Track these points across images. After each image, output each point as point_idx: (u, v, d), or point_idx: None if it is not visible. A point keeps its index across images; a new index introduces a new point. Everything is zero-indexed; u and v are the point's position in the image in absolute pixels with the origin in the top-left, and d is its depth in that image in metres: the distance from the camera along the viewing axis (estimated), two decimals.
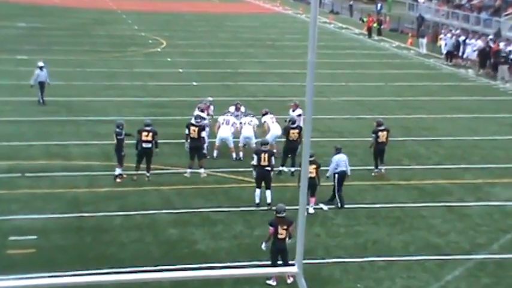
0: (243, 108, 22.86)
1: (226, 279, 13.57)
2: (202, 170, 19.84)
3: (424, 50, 44.45)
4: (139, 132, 19.13)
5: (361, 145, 22.87)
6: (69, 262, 14.58)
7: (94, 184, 19.03)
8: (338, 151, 18.27)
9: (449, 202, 18.75)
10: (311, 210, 17.52)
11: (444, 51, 42.09)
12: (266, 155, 17.58)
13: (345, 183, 18.07)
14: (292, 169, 20.03)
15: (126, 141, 19.30)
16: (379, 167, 20.35)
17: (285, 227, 13.61)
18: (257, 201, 17.55)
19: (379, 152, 20.15)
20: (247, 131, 21.32)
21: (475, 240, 16.37)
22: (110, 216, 17.07)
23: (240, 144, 21.38)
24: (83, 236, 15.90)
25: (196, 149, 19.83)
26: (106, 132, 22.38)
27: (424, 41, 44.77)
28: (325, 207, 17.87)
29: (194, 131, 19.78)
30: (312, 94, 6.04)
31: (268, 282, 13.78)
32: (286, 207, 17.50)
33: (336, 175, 17.87)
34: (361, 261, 15.07)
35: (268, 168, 17.62)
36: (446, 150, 23.53)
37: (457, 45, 40.94)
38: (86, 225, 16.50)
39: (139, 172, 19.25)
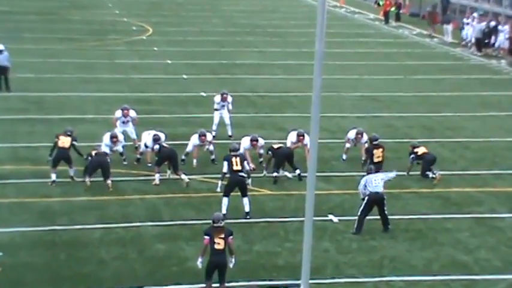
0: (230, 98, 23.55)
1: None
2: (183, 176, 19.81)
3: (449, 38, 44.49)
4: (57, 136, 19.67)
5: None
6: (39, 282, 14.59)
7: (69, 192, 19.05)
8: (370, 171, 17.80)
9: (478, 213, 18.76)
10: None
11: (468, 39, 42.18)
12: (238, 159, 17.75)
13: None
14: (298, 171, 20.15)
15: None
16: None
17: (222, 235, 13.55)
18: (224, 211, 17.41)
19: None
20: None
21: (508, 257, 16.39)
22: (88, 229, 17.08)
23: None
24: (56, 253, 15.91)
25: (171, 158, 19.85)
26: (83, 132, 22.36)
27: (449, 27, 44.79)
28: (335, 219, 17.90)
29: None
30: (320, 89, 6.09)
31: None
32: (292, 218, 17.52)
33: (367, 197, 17.33)
34: (377, 281, 15.08)
35: (243, 174, 17.78)
36: (475, 154, 23.56)
37: (487, 32, 40.97)
38: (59, 240, 16.51)
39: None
